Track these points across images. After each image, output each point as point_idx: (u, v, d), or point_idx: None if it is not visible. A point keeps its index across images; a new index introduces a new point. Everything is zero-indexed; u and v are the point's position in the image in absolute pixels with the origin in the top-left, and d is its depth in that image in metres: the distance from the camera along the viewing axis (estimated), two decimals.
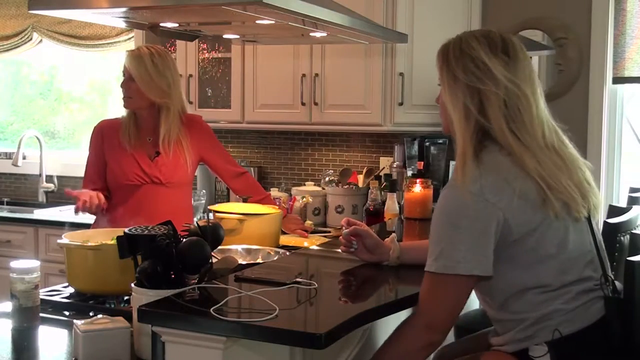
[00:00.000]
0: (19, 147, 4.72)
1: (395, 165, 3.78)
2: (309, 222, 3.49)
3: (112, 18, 2.39)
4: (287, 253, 2.50)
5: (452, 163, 3.61)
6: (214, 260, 1.89)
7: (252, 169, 4.23)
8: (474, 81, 1.76)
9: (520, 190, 1.71)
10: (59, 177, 4.86)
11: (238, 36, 2.89)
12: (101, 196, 2.80)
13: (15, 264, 1.92)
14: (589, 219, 1.82)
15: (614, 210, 2.43)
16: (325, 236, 3.19)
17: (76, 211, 2.76)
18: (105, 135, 2.92)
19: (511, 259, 1.74)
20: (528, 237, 1.72)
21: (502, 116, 1.75)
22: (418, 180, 3.16)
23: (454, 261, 1.70)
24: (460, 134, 1.78)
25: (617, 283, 1.81)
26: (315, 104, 3.73)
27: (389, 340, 1.83)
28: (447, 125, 1.87)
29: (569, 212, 1.76)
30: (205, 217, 2.26)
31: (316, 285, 1.84)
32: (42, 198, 4.85)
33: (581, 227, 1.81)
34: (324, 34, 2.64)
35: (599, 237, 1.87)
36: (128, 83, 2.85)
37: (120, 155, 2.88)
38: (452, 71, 1.80)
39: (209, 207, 2.94)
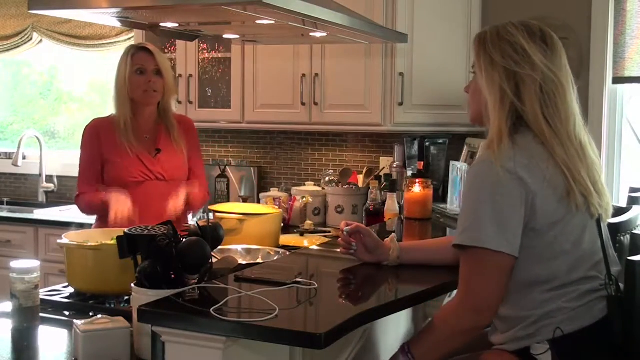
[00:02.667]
0: (19, 147, 4.72)
1: (395, 165, 3.78)
2: (309, 222, 3.49)
3: (112, 18, 2.39)
4: (287, 253, 2.50)
5: (452, 163, 3.61)
6: (214, 260, 1.89)
7: (252, 169, 4.23)
8: (512, 65, 1.78)
9: (550, 178, 1.73)
10: (59, 177, 4.86)
11: (238, 36, 2.89)
12: (130, 205, 2.72)
13: (15, 264, 1.92)
14: (598, 220, 1.83)
15: (614, 210, 2.43)
16: (325, 236, 3.19)
17: (109, 222, 2.67)
18: (101, 135, 2.91)
19: (529, 250, 1.75)
20: (549, 230, 1.73)
21: (537, 100, 1.77)
22: (418, 180, 3.16)
23: (485, 235, 1.71)
24: (495, 116, 1.79)
25: (620, 284, 1.82)
26: (315, 104, 3.73)
27: (432, 325, 1.84)
28: (478, 112, 1.89)
29: (588, 207, 1.77)
30: (205, 217, 2.26)
31: (316, 285, 1.84)
32: (42, 198, 4.85)
33: (594, 225, 1.82)
34: (324, 34, 2.64)
35: (607, 237, 1.87)
36: (155, 78, 2.87)
37: (121, 153, 2.87)
38: (489, 55, 1.82)
39: (209, 207, 2.94)
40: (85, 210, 2.93)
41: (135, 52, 2.88)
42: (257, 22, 2.32)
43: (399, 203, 3.24)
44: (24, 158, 4.80)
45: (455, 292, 2.41)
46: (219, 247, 2.11)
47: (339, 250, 2.20)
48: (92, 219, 3.02)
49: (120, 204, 2.71)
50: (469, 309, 1.77)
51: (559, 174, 1.74)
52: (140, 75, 2.87)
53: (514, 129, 1.79)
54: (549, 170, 1.74)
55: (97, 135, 2.92)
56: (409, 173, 3.58)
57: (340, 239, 2.19)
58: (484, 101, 1.83)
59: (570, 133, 1.79)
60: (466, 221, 1.75)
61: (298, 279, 1.87)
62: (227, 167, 4.23)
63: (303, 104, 3.75)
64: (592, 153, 1.84)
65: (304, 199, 3.76)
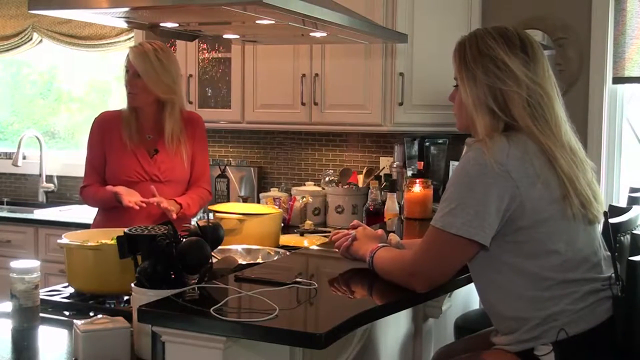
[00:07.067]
0: (19, 147, 4.72)
1: (395, 165, 3.78)
2: (309, 222, 3.49)
3: (112, 18, 2.39)
4: (287, 253, 2.50)
5: (452, 163, 3.61)
6: (214, 260, 1.89)
7: (252, 169, 4.23)
8: (496, 82, 1.77)
9: (544, 178, 1.73)
10: (59, 177, 4.86)
11: (238, 36, 2.89)
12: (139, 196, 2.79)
13: (15, 264, 1.92)
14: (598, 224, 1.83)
15: (614, 210, 2.43)
16: (325, 236, 3.19)
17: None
18: (105, 130, 2.92)
19: (518, 245, 1.75)
20: (539, 227, 1.73)
21: (527, 115, 1.77)
22: (418, 180, 3.16)
23: (459, 222, 1.72)
24: (487, 134, 1.78)
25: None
26: (315, 104, 3.73)
27: (395, 254, 1.93)
28: (466, 125, 1.88)
29: (585, 213, 1.77)
30: (205, 217, 2.26)
31: (316, 285, 1.84)
32: (42, 198, 4.85)
33: (593, 229, 1.81)
34: (324, 34, 2.64)
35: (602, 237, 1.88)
36: (133, 80, 2.85)
37: (120, 151, 2.88)
38: (471, 72, 1.80)
39: (208, 207, 2.94)
40: (90, 202, 2.94)
41: (130, 52, 2.89)
42: (257, 22, 2.32)
43: (399, 203, 3.24)
44: (24, 158, 4.80)
45: (455, 292, 2.41)
46: (219, 247, 2.11)
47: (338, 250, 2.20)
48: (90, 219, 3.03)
49: (132, 194, 2.76)
50: (409, 273, 1.81)
51: (553, 176, 1.74)
52: (126, 75, 2.89)
53: (505, 128, 1.79)
54: (543, 170, 1.73)
55: (101, 130, 2.93)
56: (409, 173, 3.58)
57: (335, 236, 2.19)
58: (471, 116, 1.81)
59: (563, 141, 1.79)
60: (447, 206, 1.76)
61: (298, 279, 1.87)
62: (227, 167, 4.23)
63: (303, 104, 3.75)
64: (582, 155, 1.84)
65: (304, 199, 3.76)
